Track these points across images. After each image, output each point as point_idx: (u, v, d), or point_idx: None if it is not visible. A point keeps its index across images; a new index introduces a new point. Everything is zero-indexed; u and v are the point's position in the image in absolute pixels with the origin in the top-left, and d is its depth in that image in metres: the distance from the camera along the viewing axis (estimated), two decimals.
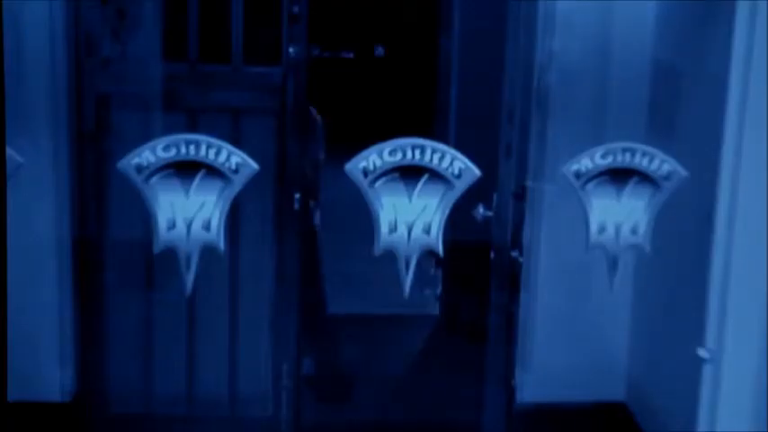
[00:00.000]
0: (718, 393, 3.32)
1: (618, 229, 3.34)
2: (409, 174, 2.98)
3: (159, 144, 2.81)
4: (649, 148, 3.39)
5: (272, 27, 4.35)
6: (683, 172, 3.41)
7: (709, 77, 3.55)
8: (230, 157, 2.89)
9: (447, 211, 3.00)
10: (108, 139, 4.35)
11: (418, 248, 3.01)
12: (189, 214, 2.89)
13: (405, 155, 2.97)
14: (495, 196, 3.89)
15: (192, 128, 4.40)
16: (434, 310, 6.28)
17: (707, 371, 3.34)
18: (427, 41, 10.84)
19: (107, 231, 4.45)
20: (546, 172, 4.18)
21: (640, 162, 3.33)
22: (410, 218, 3.02)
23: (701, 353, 3.30)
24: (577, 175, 3.17)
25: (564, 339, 4.51)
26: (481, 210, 3.88)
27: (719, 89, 3.31)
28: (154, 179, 2.81)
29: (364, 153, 2.95)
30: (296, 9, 4.27)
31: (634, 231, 3.35)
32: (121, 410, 4.50)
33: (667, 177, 3.37)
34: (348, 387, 4.84)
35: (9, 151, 2.61)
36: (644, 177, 3.32)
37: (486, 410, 4.18)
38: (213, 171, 2.88)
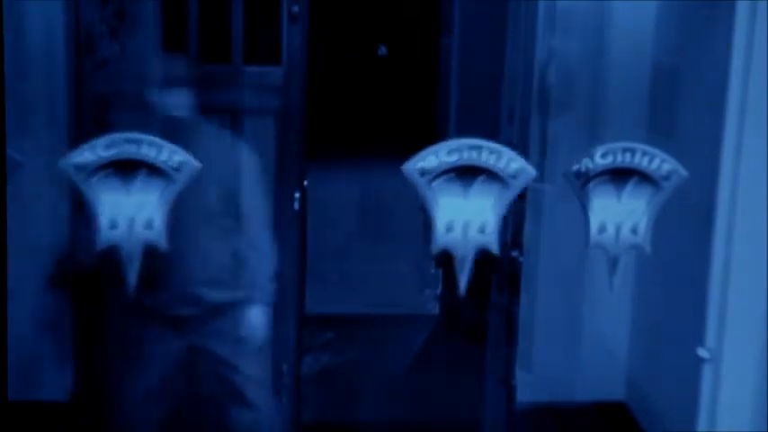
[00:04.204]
0: (718, 393, 3.32)
1: (618, 230, 3.34)
2: (466, 174, 3.02)
3: (99, 143, 2.82)
4: (649, 148, 3.39)
5: (272, 27, 4.35)
6: (683, 172, 3.41)
7: (709, 77, 3.55)
8: (172, 155, 2.91)
9: (503, 211, 3.04)
10: None
11: (474, 248, 3.04)
12: (130, 213, 2.90)
13: (461, 155, 3.01)
14: None
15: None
16: (434, 309, 6.28)
17: (707, 371, 3.33)
18: (429, 41, 10.84)
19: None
20: (546, 172, 4.17)
21: (640, 162, 3.33)
22: (466, 218, 3.06)
23: (701, 353, 3.30)
24: (577, 175, 3.18)
25: (564, 339, 4.50)
26: None
27: (719, 89, 3.30)
28: (95, 178, 2.82)
29: (421, 153, 2.99)
30: (296, 9, 4.27)
31: (634, 231, 3.35)
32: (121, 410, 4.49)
33: (667, 177, 3.37)
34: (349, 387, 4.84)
35: (9, 151, 2.61)
36: (644, 177, 3.32)
37: (486, 410, 4.18)
38: (155, 170, 2.89)
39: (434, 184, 3.04)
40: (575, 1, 4.23)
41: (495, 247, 3.11)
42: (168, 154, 2.95)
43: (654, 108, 4.39)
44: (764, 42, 3.14)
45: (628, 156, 3.32)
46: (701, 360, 3.32)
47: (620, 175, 3.31)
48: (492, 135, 4.38)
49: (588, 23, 4.29)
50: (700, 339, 3.35)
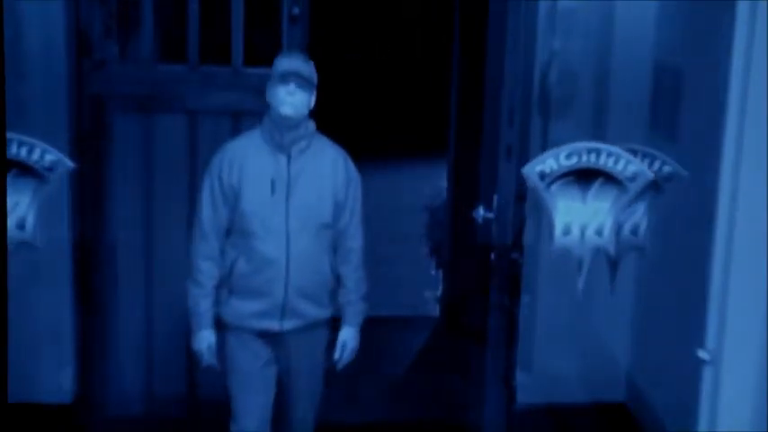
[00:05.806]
0: (718, 393, 3.32)
1: (618, 231, 3.34)
2: (584, 177, 3.04)
3: None
4: (650, 150, 3.39)
5: (273, 28, 4.35)
6: (683, 173, 3.41)
7: (710, 77, 3.55)
8: (44, 155, 2.88)
9: (620, 214, 3.06)
10: (106, 141, 4.35)
11: (591, 250, 3.07)
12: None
13: (580, 158, 3.03)
14: (495, 197, 3.89)
15: (193, 129, 4.40)
16: (435, 311, 6.28)
17: (707, 371, 3.34)
18: (429, 42, 10.84)
19: (106, 232, 4.45)
20: None
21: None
22: (584, 220, 3.08)
23: (701, 354, 3.30)
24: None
25: (564, 340, 4.51)
26: (482, 211, 3.88)
27: (720, 89, 3.30)
28: None
29: (541, 157, 3.03)
30: (296, 10, 4.26)
31: (634, 233, 3.35)
32: (121, 412, 4.49)
33: (668, 179, 3.37)
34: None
35: None
36: None
37: (486, 410, 4.18)
38: (26, 169, 2.86)
39: (553, 187, 3.07)
40: (576, 1, 4.23)
41: (612, 250, 3.15)
42: (40, 153, 2.91)
43: (655, 109, 4.39)
44: (764, 42, 3.14)
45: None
46: (701, 361, 3.32)
47: None
48: (492, 136, 4.38)
49: (589, 24, 4.29)
50: (700, 340, 3.35)
